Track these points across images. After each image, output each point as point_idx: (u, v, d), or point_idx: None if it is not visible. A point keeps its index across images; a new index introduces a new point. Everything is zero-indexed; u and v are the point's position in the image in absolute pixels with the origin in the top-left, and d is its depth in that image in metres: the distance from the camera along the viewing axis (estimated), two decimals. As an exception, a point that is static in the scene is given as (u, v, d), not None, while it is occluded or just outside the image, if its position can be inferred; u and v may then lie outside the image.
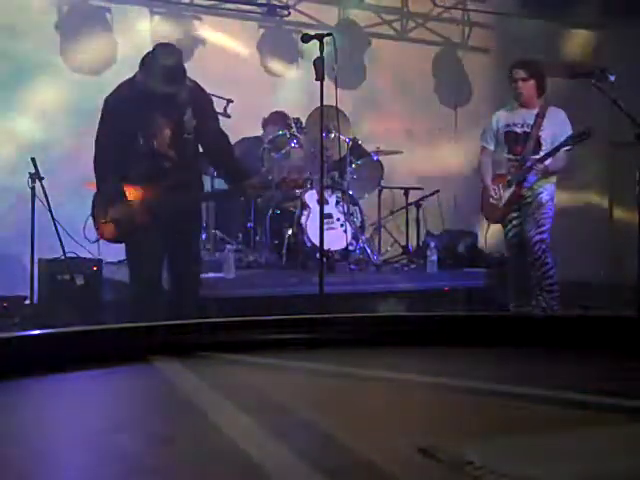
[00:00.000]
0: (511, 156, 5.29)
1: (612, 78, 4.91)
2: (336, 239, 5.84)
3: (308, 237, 5.79)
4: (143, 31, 6.98)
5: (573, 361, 1.41)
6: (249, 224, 6.24)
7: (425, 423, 1.04)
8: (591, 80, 4.87)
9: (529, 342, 1.48)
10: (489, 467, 0.80)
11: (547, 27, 8.13)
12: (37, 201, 5.21)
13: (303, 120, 6.29)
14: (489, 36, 8.53)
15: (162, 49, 4.11)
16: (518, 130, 5.26)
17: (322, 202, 4.32)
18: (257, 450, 0.87)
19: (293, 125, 6.22)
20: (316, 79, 4.12)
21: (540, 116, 5.20)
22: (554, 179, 5.30)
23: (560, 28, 8.24)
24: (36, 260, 5.41)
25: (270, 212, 6.17)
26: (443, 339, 1.51)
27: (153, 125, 4.07)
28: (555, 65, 6.16)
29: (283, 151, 6.14)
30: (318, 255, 4.58)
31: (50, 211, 5.06)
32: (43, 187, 5.16)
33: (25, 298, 5.61)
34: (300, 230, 5.86)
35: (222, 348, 1.42)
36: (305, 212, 5.90)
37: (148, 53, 4.10)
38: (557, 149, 5.11)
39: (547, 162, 5.14)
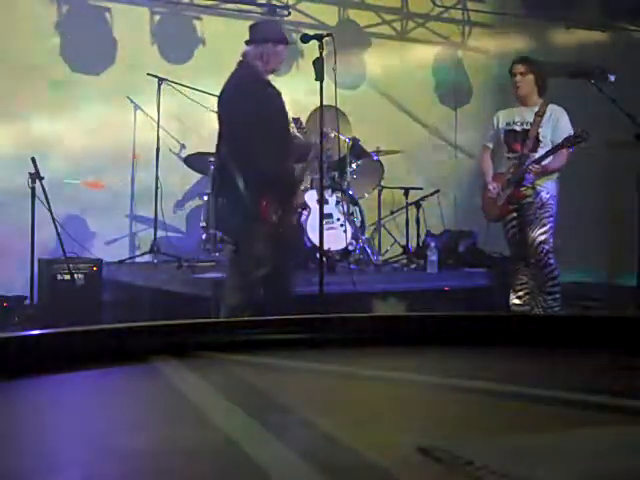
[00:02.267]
0: (510, 154, 5.29)
1: (612, 78, 4.92)
2: (336, 239, 5.84)
3: (308, 237, 5.79)
4: (143, 31, 6.99)
5: (573, 361, 1.41)
6: (249, 224, 6.23)
7: (425, 423, 1.04)
8: (591, 80, 4.87)
9: (529, 342, 1.48)
10: (489, 467, 0.80)
11: (547, 27, 8.13)
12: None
13: (303, 120, 6.28)
14: (489, 36, 8.53)
15: (271, 26, 4.19)
16: (517, 128, 5.27)
17: (322, 202, 4.32)
18: (257, 450, 0.87)
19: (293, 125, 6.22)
20: (316, 79, 4.12)
21: (539, 114, 5.20)
22: (555, 176, 5.29)
23: (560, 28, 8.24)
24: (36, 260, 5.42)
25: (270, 212, 6.15)
26: (443, 339, 1.50)
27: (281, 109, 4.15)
28: (555, 65, 6.15)
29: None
30: (318, 255, 4.58)
31: (50, 211, 5.06)
32: (43, 187, 5.17)
33: (25, 298, 5.62)
34: (300, 230, 5.86)
35: (222, 348, 1.41)
36: (305, 212, 5.90)
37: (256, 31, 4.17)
38: (553, 150, 5.11)
39: (546, 161, 5.14)
